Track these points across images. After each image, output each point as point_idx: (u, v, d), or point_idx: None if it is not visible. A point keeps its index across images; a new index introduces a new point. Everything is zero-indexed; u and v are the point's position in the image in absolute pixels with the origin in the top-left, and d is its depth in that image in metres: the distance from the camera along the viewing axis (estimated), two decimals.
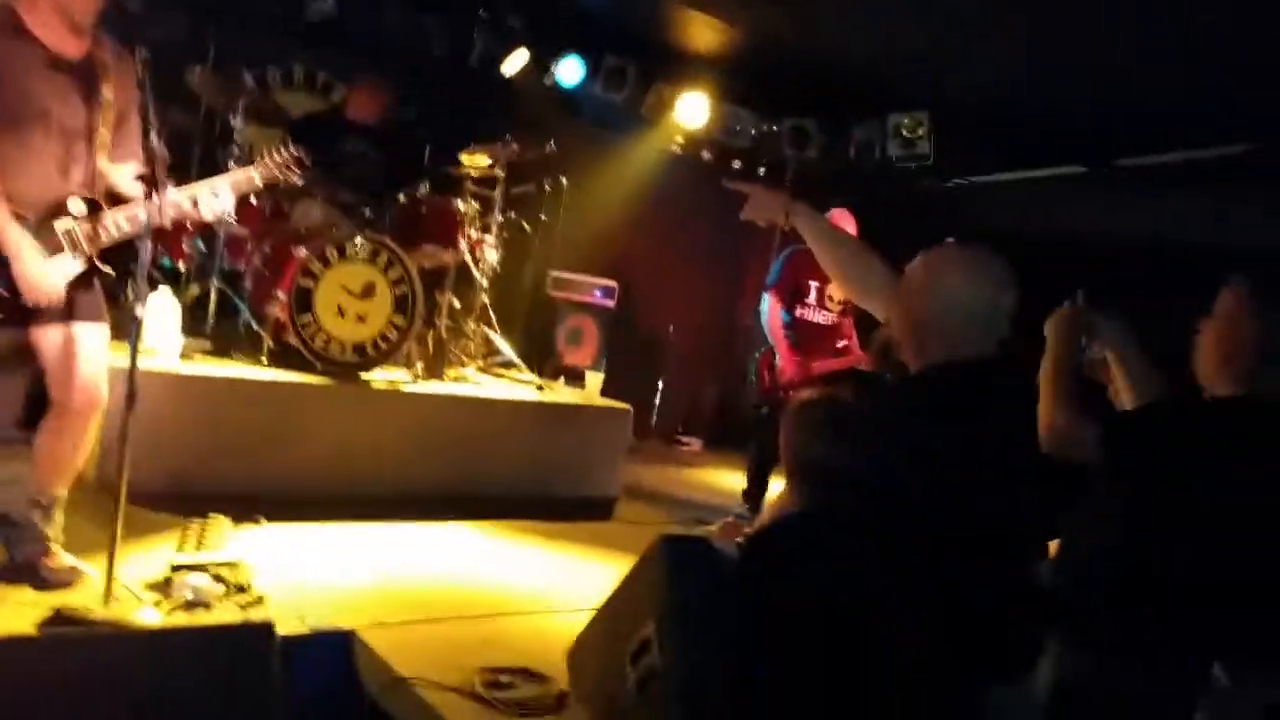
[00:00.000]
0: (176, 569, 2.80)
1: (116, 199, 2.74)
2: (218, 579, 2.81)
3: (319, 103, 5.95)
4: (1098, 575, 1.88)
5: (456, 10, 6.20)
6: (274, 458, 3.95)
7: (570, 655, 2.72)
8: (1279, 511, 1.76)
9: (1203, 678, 1.70)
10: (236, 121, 4.56)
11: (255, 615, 2.76)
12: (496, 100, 6.52)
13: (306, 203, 4.63)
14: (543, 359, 6.50)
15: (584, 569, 3.97)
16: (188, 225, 4.46)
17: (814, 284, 5.18)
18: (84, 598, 2.64)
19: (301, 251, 4.14)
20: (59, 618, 2.44)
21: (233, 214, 4.42)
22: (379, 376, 4.44)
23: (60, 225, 2.61)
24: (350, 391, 4.27)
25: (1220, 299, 1.95)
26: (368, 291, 4.31)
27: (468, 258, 5.03)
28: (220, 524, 3.28)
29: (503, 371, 5.30)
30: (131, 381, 2.48)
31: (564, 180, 5.68)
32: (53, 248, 2.60)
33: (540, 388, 5.10)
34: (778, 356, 5.10)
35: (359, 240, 4.25)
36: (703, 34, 6.54)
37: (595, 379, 5.41)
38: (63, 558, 2.77)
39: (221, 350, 4.24)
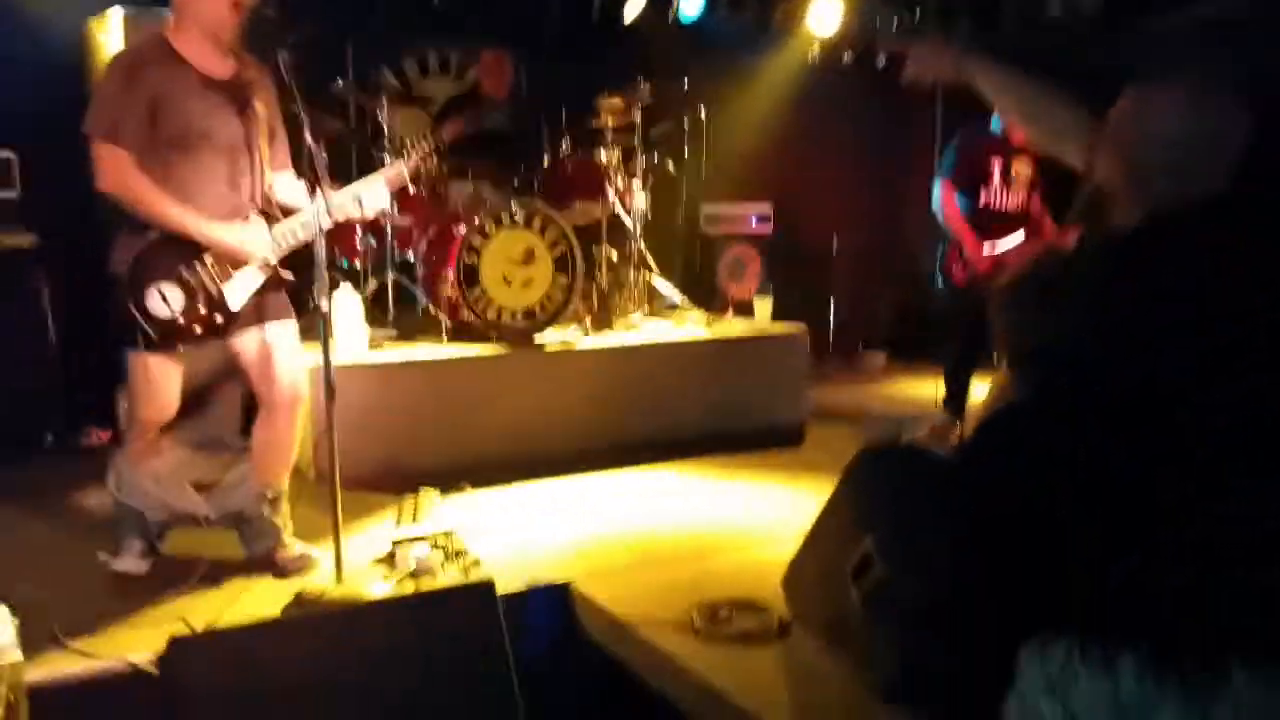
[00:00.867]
0: (398, 543, 2.97)
1: (285, 210, 2.90)
2: (437, 547, 2.95)
3: (457, 86, 6.07)
4: None
5: None
6: (468, 428, 4.12)
7: (785, 581, 2.70)
8: None
9: None
10: (384, 118, 4.71)
11: (475, 577, 2.89)
12: (624, 49, 6.45)
13: (460, 183, 4.76)
14: (709, 296, 6.45)
15: (783, 496, 3.94)
16: (355, 225, 4.69)
17: (996, 163, 4.84)
18: (318, 580, 2.84)
19: (461, 229, 4.25)
20: (299, 600, 2.63)
21: (392, 208, 4.63)
22: (551, 337, 4.53)
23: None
24: (527, 356, 4.37)
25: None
26: (528, 257, 4.38)
27: (618, 207, 5.03)
28: (430, 496, 3.44)
29: (669, 313, 5.30)
30: (328, 375, 2.62)
31: (702, 112, 5.55)
32: (236, 263, 2.76)
33: (709, 322, 5.06)
34: (964, 248, 4.82)
35: (512, 208, 4.32)
36: None
37: (764, 304, 5.31)
38: (294, 546, 3.00)
39: (406, 336, 4.44)
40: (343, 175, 4.32)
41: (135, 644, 2.45)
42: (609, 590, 2.86)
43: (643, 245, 5.20)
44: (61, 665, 2.37)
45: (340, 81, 4.88)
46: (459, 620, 2.20)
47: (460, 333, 4.39)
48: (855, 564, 2.34)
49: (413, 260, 4.79)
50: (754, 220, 6.90)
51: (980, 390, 5.50)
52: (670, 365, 4.64)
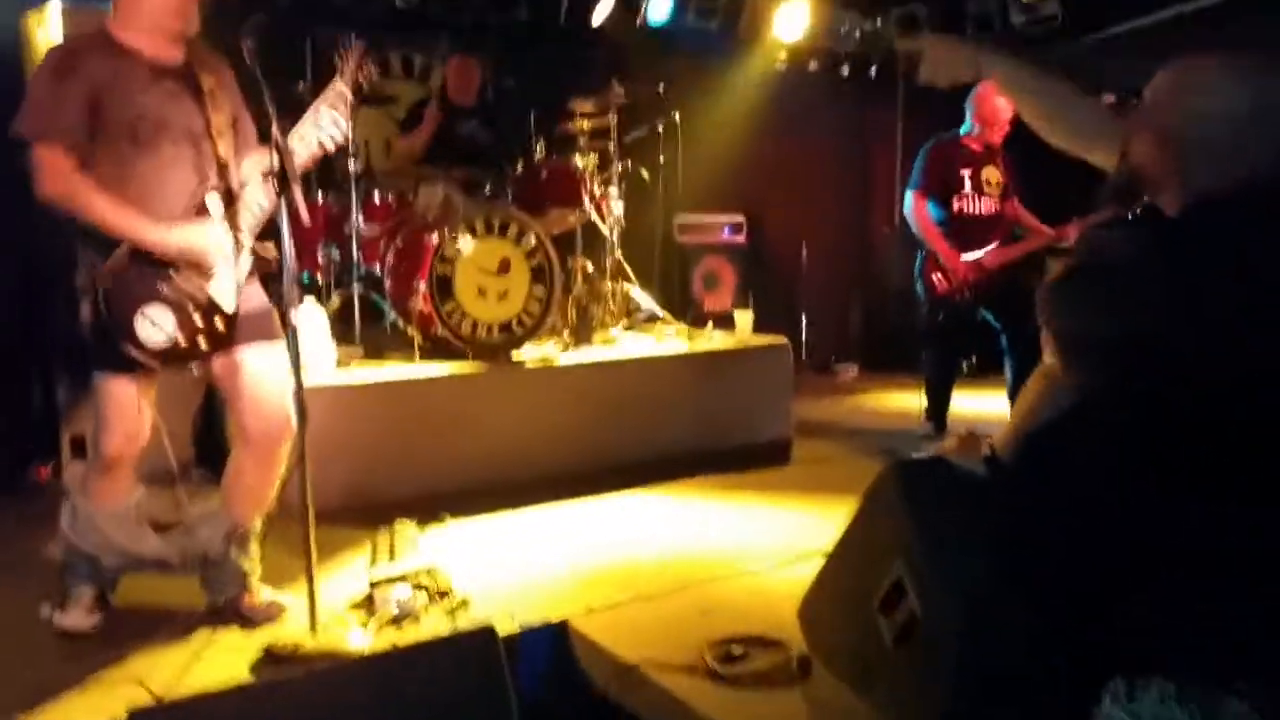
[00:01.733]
0: (376, 584, 2.71)
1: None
2: (418, 587, 2.71)
3: (421, 88, 5.83)
4: None
5: None
6: (444, 452, 3.87)
7: (802, 613, 2.49)
8: None
9: None
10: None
11: (464, 619, 2.65)
12: (592, 53, 6.26)
13: (429, 190, 4.50)
14: (683, 307, 6.28)
15: (777, 518, 3.74)
16: (318, 236, 4.42)
17: (965, 172, 4.78)
18: (290, 630, 2.57)
19: (433, 238, 4.00)
20: (270, 656, 2.36)
21: (357, 217, 4.37)
22: (529, 353, 4.29)
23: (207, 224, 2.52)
24: (504, 373, 4.14)
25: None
26: (504, 267, 4.16)
27: (594, 215, 4.83)
28: (407, 529, 3.20)
29: (649, 327, 5.10)
30: (299, 397, 2.37)
31: (677, 117, 5.37)
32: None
33: (690, 336, 4.87)
34: (940, 257, 4.74)
35: (492, 217, 4.09)
36: None
37: (745, 318, 5.14)
38: (262, 593, 2.72)
39: (374, 354, 4.17)
40: (302, 177, 4.09)
41: (87, 715, 2.17)
42: (609, 628, 2.64)
43: (620, 255, 5.00)
44: None
45: (301, 84, 4.61)
46: (457, 675, 1.96)
47: (433, 349, 4.14)
48: (883, 595, 2.14)
49: (379, 272, 4.53)
50: (727, 230, 6.75)
51: (967, 401, 5.40)
52: (653, 381, 4.44)
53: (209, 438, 4.12)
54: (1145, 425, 1.48)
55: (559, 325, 4.55)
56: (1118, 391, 1.50)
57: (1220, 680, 1.43)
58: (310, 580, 2.40)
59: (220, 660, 2.46)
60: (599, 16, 6.14)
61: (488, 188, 4.71)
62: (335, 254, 4.53)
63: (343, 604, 2.74)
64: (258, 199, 2.56)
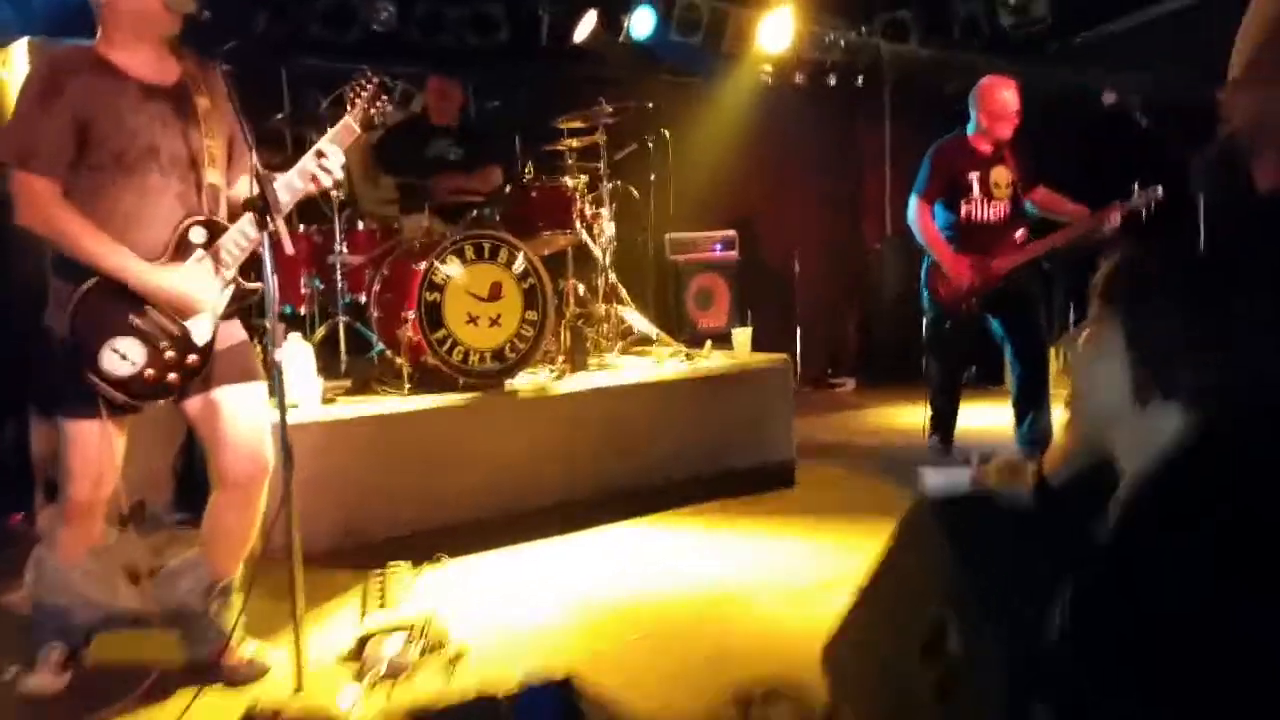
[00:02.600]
0: (366, 636, 2.55)
1: (236, 218, 2.48)
2: (413, 638, 2.54)
3: (401, 113, 5.70)
4: None
5: None
6: (437, 487, 3.70)
7: (827, 658, 2.33)
8: None
9: None
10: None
11: (462, 672, 2.48)
12: (576, 71, 6.16)
13: (414, 216, 4.37)
14: (678, 326, 6.15)
15: (785, 548, 3.60)
16: (299, 267, 4.27)
17: (973, 176, 4.56)
18: (273, 689, 2.40)
19: (420, 265, 3.85)
20: (253, 718, 2.19)
21: (341, 246, 4.22)
22: (523, 381, 4.15)
23: (192, 259, 2.37)
24: (498, 402, 3.98)
25: None
26: (495, 292, 4.01)
27: (585, 236, 4.69)
28: (400, 573, 3.03)
29: (645, 349, 4.96)
30: (284, 437, 2.21)
31: (666, 134, 5.25)
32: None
33: (688, 357, 4.73)
34: (944, 265, 4.56)
35: (482, 241, 3.94)
36: None
37: (743, 336, 4.99)
38: (244, 648, 2.55)
39: (361, 387, 4.02)
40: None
41: None
42: (618, 679, 2.48)
43: (614, 276, 4.86)
44: None
45: (279, 115, 4.47)
46: None
47: (423, 380, 3.98)
48: (925, 639, 1.99)
49: (364, 302, 4.38)
50: (719, 246, 6.63)
51: (970, 415, 5.26)
52: (652, 405, 4.29)
53: (190, 479, 3.96)
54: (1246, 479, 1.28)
55: (553, 351, 4.41)
56: (1206, 429, 1.29)
57: None
58: (296, 637, 2.24)
59: None
60: (580, 34, 6.04)
61: (473, 211, 4.57)
62: (319, 285, 4.38)
63: (332, 657, 2.58)
64: (245, 231, 2.40)
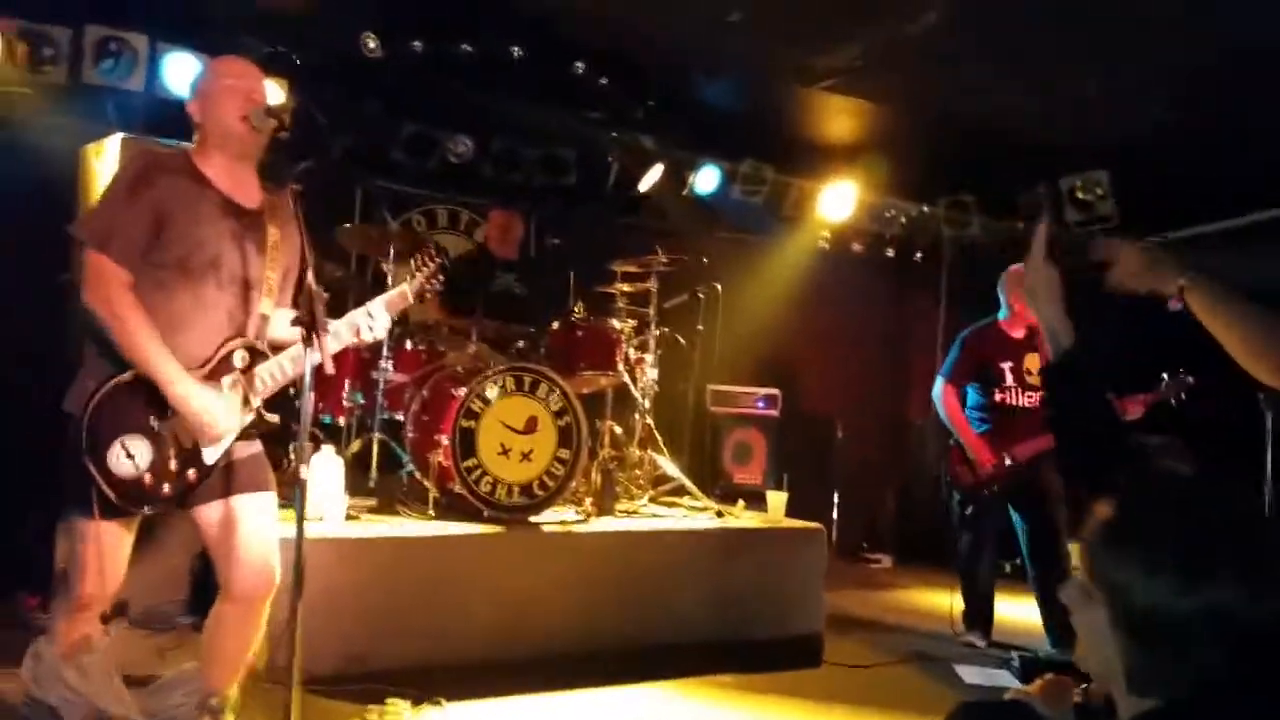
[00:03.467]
0: None
1: (278, 346, 2.53)
2: None
3: (464, 243, 5.86)
4: None
5: (589, 140, 6.08)
6: (448, 620, 3.59)
7: None
8: None
9: None
10: (388, 266, 4.40)
11: None
12: (636, 218, 6.32)
13: (461, 341, 4.41)
14: (711, 478, 6.05)
15: None
16: (343, 379, 4.30)
17: (1006, 365, 4.59)
18: None
19: (460, 391, 3.85)
20: None
21: (386, 363, 4.26)
22: (548, 518, 4.06)
23: (226, 381, 2.40)
24: (522, 538, 3.90)
25: None
26: (530, 426, 3.99)
27: (627, 379, 4.68)
28: (399, 710, 2.89)
29: (675, 499, 4.86)
30: (299, 558, 2.15)
31: (718, 287, 5.31)
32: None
33: (719, 514, 4.62)
34: (968, 449, 4.54)
35: (524, 374, 3.95)
36: (841, 121, 6.23)
37: (778, 499, 4.88)
38: None
39: (387, 506, 3.96)
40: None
41: None
42: None
43: (651, 421, 4.82)
44: None
45: (346, 226, 4.61)
46: None
47: (448, 506, 3.93)
48: None
49: (402, 420, 4.37)
50: (761, 403, 6.58)
51: (1013, 608, 5.03)
52: (678, 558, 4.17)
53: (207, 581, 3.88)
54: None
55: (581, 491, 4.34)
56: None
57: None
58: None
59: None
60: (647, 183, 6.22)
61: (520, 344, 4.61)
62: (359, 399, 4.39)
63: None
64: (284, 364, 2.45)
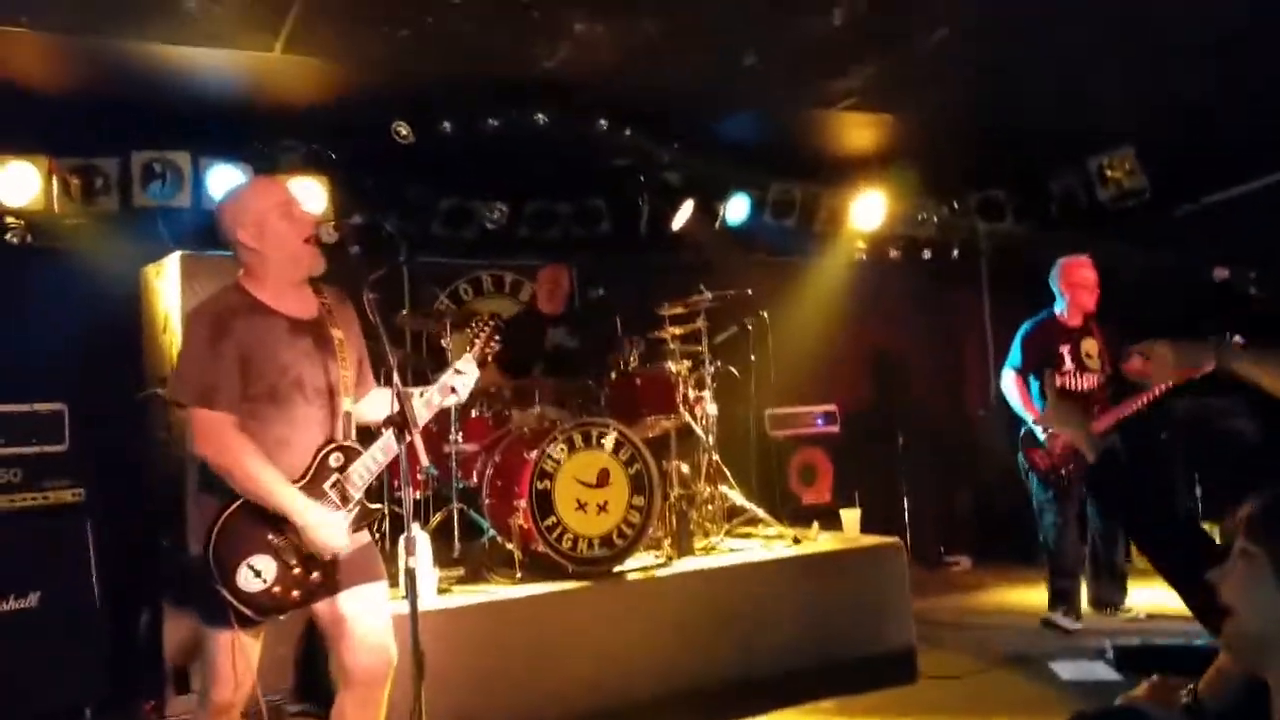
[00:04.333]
0: None
1: (365, 426, 2.67)
2: None
3: (511, 304, 6.01)
4: None
5: (618, 186, 6.22)
6: (547, 677, 3.69)
7: None
8: None
9: None
10: (447, 343, 4.55)
11: None
12: (676, 258, 6.43)
13: (524, 404, 4.54)
14: (781, 502, 6.10)
15: None
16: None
17: (1065, 349, 4.91)
18: None
19: (532, 454, 3.98)
20: None
21: (456, 435, 4.39)
22: (631, 564, 4.15)
23: (327, 484, 2.53)
24: (606, 589, 3.99)
25: None
26: (603, 479, 4.09)
27: (688, 418, 4.77)
28: None
29: (751, 530, 4.92)
30: (416, 646, 2.26)
31: (765, 316, 5.39)
32: (328, 505, 2.51)
33: (796, 540, 4.67)
34: (1039, 434, 4.76)
35: (591, 429, 4.07)
36: (862, 134, 6.28)
37: (852, 516, 4.94)
38: None
39: (473, 574, 4.08)
40: None
41: None
42: None
43: (717, 456, 4.90)
44: None
45: (401, 312, 4.78)
46: None
47: (532, 565, 4.03)
48: None
49: (474, 487, 4.51)
50: (820, 420, 6.63)
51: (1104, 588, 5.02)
52: (760, 588, 4.23)
53: (311, 668, 4.03)
54: None
55: (659, 535, 4.42)
56: None
57: None
58: None
59: None
60: (679, 222, 6.32)
61: (580, 399, 4.73)
62: (434, 471, 4.54)
63: None
64: (375, 456, 2.57)
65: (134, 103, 4.59)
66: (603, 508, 4.07)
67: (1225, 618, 1.44)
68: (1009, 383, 4.91)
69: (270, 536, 2.43)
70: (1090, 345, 4.88)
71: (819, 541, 4.69)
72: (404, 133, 4.96)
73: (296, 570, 2.44)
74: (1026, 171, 6.74)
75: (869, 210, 6.77)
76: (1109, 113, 5.58)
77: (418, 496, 4.53)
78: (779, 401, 6.56)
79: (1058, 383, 4.76)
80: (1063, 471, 4.71)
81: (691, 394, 4.81)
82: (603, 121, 5.26)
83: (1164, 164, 6.14)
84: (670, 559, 4.28)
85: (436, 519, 4.39)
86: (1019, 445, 4.93)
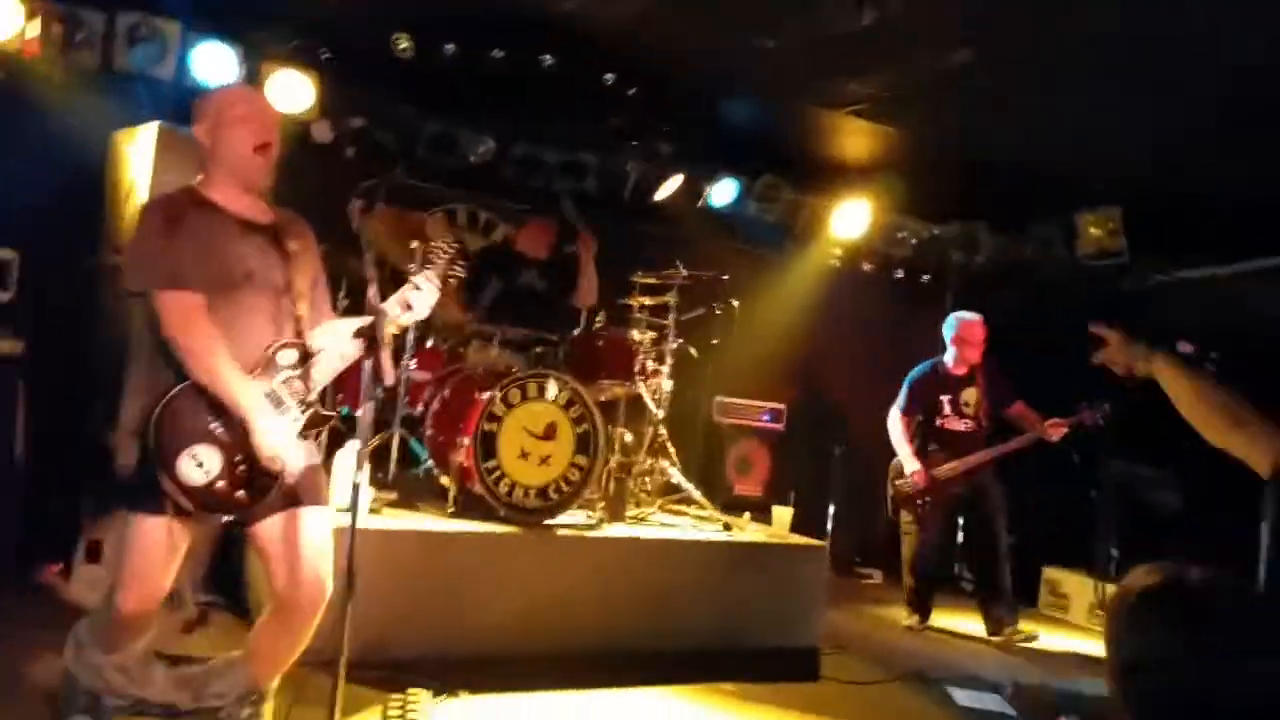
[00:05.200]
0: None
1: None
2: None
3: (485, 240, 5.93)
4: None
5: (610, 147, 6.15)
6: (465, 614, 3.69)
7: None
8: None
9: None
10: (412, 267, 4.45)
11: None
12: (651, 228, 6.39)
13: (481, 344, 4.49)
14: (712, 489, 6.13)
15: None
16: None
17: (945, 399, 5.41)
18: None
19: (484, 395, 3.94)
20: None
21: (409, 361, 4.32)
22: (562, 521, 4.15)
23: (277, 379, 2.46)
24: (536, 540, 3.99)
25: None
26: (550, 432, 4.07)
27: (642, 389, 4.77)
28: (421, 701, 2.97)
29: (683, 509, 4.95)
30: (350, 560, 2.23)
31: (735, 304, 5.40)
32: (273, 403, 2.44)
33: (727, 526, 4.71)
34: (905, 466, 5.36)
35: (547, 382, 4.03)
36: (860, 142, 6.30)
37: (784, 514, 5.01)
38: None
39: (404, 501, 4.04)
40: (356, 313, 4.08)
41: None
42: None
43: (665, 431, 4.90)
44: None
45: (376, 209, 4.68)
46: None
47: (465, 504, 4.00)
48: None
49: (417, 416, 4.45)
50: (767, 416, 6.68)
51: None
52: (683, 567, 4.27)
53: (225, 561, 3.96)
54: None
55: (594, 496, 4.42)
56: None
57: None
58: None
59: None
60: (663, 193, 6.29)
61: (539, 349, 4.68)
62: (379, 392, 4.45)
63: None
64: (332, 360, 2.52)
65: None
66: (545, 460, 4.05)
67: None
68: (894, 421, 5.48)
69: (216, 428, 2.36)
70: (970, 394, 5.40)
71: (748, 532, 4.74)
72: (403, 46, 4.84)
73: (241, 469, 2.37)
74: (1010, 210, 6.83)
75: (851, 219, 6.81)
76: (1106, 167, 5.67)
77: (358, 414, 4.44)
78: (729, 390, 6.58)
79: (938, 423, 5.38)
80: (919, 502, 5.33)
81: (650, 365, 4.80)
82: (609, 75, 5.18)
83: (1148, 231, 6.28)
84: (602, 522, 4.29)
85: (375, 441, 4.32)
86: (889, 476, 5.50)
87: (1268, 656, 1.24)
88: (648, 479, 4.88)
